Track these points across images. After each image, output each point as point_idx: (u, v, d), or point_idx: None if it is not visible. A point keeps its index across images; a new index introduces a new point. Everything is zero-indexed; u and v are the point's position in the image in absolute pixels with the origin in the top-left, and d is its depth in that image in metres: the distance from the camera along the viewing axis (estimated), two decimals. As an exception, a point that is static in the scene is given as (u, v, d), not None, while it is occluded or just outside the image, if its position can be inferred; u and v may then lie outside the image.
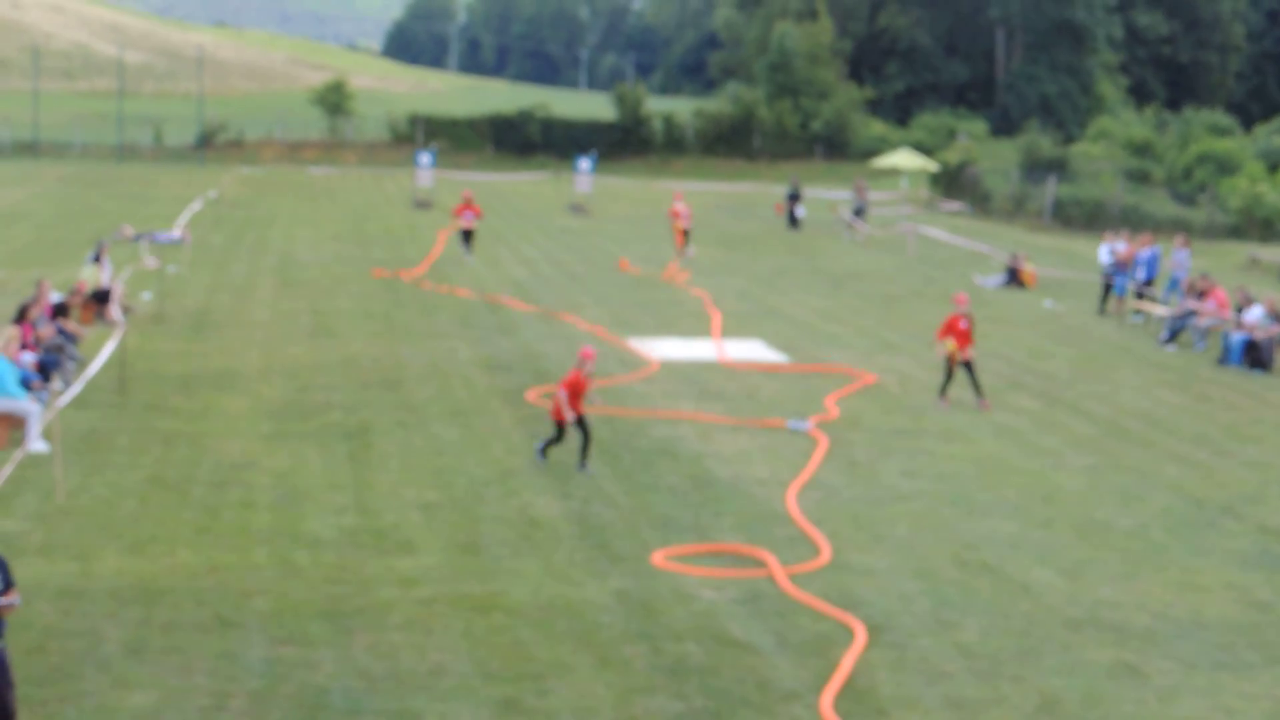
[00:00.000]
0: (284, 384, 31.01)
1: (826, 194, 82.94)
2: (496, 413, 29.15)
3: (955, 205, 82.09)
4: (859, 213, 68.55)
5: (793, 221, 68.99)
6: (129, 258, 47.66)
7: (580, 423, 24.90)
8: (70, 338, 32.28)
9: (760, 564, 20.50)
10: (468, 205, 53.56)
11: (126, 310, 37.70)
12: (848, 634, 17.84)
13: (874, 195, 74.38)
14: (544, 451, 25.33)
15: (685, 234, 56.47)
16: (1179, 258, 45.08)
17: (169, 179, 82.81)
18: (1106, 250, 45.77)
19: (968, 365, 30.94)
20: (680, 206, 57.41)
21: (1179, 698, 16.51)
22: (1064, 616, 18.93)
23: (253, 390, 30.32)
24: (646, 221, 67.62)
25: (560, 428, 24.99)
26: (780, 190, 79.24)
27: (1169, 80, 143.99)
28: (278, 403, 29.30)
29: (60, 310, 32.93)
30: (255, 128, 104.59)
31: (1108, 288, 45.39)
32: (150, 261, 45.79)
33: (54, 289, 34.24)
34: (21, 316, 30.29)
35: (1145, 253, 45.56)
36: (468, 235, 53.19)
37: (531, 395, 30.41)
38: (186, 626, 17.30)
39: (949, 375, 31.02)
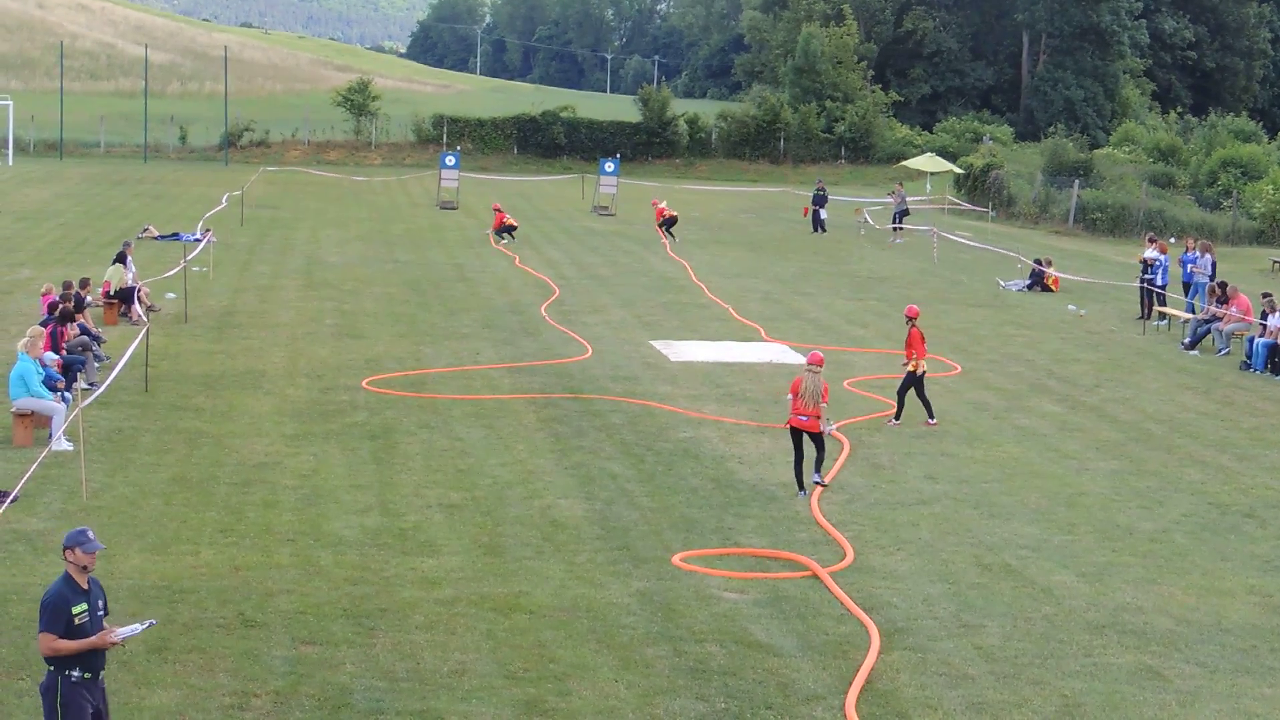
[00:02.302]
0: (308, 384, 31.10)
1: (851, 198, 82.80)
2: (520, 414, 29.20)
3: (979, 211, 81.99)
4: (902, 216, 68.52)
5: (818, 225, 68.90)
6: (154, 258, 47.76)
7: (812, 437, 24.27)
8: (95, 337, 32.39)
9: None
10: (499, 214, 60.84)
11: (151, 310, 37.79)
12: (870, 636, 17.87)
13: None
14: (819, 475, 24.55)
15: (670, 220, 63.17)
16: (1203, 263, 44.98)
17: (194, 179, 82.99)
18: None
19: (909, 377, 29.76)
20: (660, 205, 64.83)
21: (1200, 702, 16.49)
22: (1085, 620, 18.92)
23: (277, 390, 30.40)
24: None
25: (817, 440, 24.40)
26: (804, 194, 79.16)
27: (1194, 85, 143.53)
28: (302, 403, 29.38)
29: (78, 306, 32.93)
30: (280, 128, 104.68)
31: (1145, 293, 45.19)
32: (179, 265, 45.90)
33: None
34: (63, 318, 30.42)
35: (1163, 257, 45.44)
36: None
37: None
38: (209, 626, 17.36)
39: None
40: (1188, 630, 18.73)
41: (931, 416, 29.72)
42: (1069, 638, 18.26)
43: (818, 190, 70.77)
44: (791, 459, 24.32)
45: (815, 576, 20.04)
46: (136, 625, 12.86)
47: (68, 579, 12.62)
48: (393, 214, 68.72)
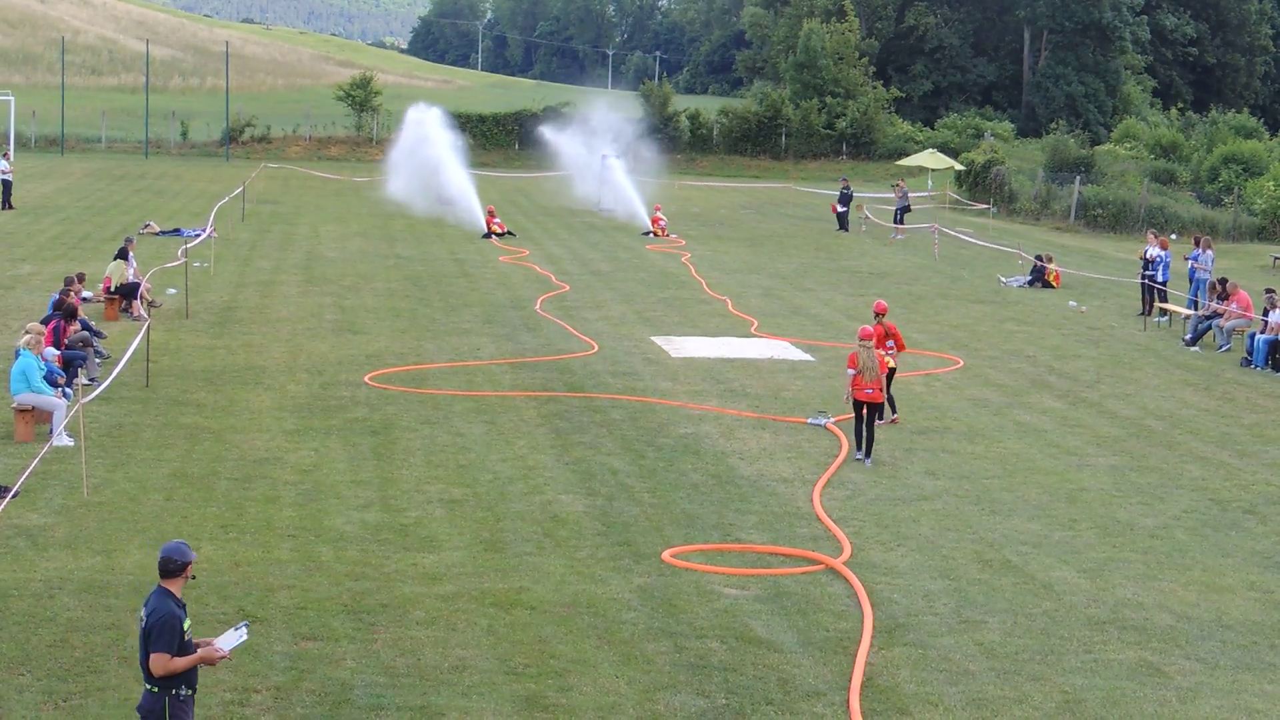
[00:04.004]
0: (309, 380, 31.09)
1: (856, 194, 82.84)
2: (521, 409, 29.19)
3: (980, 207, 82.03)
4: (903, 213, 68.38)
5: (844, 224, 68.46)
6: (156, 254, 47.74)
7: (870, 411, 26.08)
8: (95, 333, 32.38)
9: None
10: (492, 217, 61.22)
11: (152, 306, 37.79)
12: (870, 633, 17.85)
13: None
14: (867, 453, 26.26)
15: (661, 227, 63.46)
16: (1204, 258, 44.95)
17: (195, 174, 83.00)
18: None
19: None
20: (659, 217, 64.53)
21: (1200, 698, 16.49)
22: (1086, 616, 18.92)
23: (278, 386, 30.39)
24: (670, 220, 67.40)
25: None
26: (806, 190, 79.09)
27: (1195, 82, 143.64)
28: (302, 398, 29.37)
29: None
30: (281, 124, 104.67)
31: (1146, 289, 45.06)
32: (179, 256, 45.91)
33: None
34: (68, 314, 30.40)
35: (1165, 253, 45.37)
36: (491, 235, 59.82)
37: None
38: (210, 621, 17.31)
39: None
40: (1188, 626, 18.72)
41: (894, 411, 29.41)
42: (1069, 634, 18.26)
43: (843, 189, 70.54)
44: (790, 455, 24.36)
45: (824, 571, 20.05)
46: (232, 632, 12.57)
47: (170, 594, 12.36)
48: (393, 209, 68.63)
